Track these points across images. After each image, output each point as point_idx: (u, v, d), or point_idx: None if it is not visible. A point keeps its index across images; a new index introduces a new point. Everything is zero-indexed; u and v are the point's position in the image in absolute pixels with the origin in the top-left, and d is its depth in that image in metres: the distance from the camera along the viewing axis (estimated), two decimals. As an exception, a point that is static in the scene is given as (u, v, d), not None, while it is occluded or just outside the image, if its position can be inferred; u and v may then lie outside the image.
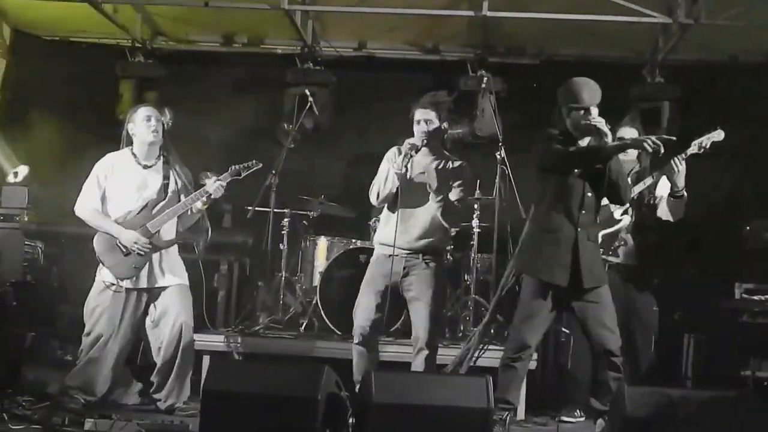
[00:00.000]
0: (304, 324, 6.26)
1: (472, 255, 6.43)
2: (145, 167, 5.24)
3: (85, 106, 7.36)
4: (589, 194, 4.74)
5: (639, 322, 5.50)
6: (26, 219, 6.62)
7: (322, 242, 6.60)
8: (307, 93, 6.83)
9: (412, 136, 5.06)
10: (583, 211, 4.73)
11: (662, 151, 4.55)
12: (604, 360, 4.74)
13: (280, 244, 6.55)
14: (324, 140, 7.29)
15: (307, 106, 6.78)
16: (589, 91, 4.74)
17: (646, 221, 5.50)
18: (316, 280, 6.41)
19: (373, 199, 5.13)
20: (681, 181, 5.17)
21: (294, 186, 6.90)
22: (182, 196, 5.22)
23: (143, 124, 5.21)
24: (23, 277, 6.48)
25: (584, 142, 4.76)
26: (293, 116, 6.93)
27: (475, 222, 6.45)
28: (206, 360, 5.86)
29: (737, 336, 5.76)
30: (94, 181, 5.18)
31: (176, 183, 5.28)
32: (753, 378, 5.50)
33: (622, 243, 5.50)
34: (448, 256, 6.47)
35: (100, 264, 5.16)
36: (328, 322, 6.10)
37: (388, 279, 5.01)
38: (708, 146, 5.13)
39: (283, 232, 6.61)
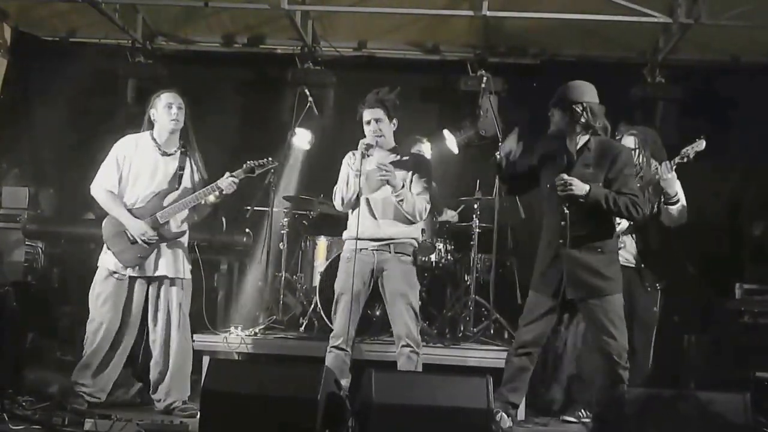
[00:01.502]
0: (304, 324, 6.26)
1: (472, 255, 6.42)
2: (164, 154, 5.17)
3: (86, 106, 7.35)
4: (565, 208, 4.73)
5: (639, 323, 5.50)
6: (26, 219, 6.62)
7: (322, 242, 6.59)
8: (307, 93, 6.83)
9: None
10: (563, 223, 4.74)
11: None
12: (608, 365, 4.76)
13: (280, 244, 6.54)
14: (324, 139, 7.29)
15: (307, 106, 6.78)
16: (579, 92, 4.81)
17: (646, 224, 5.50)
18: (316, 280, 6.40)
19: (338, 205, 5.15)
20: (672, 189, 5.22)
21: (294, 185, 6.91)
22: (196, 189, 5.17)
23: (164, 111, 5.13)
24: (24, 278, 6.50)
25: (581, 138, 4.77)
26: (294, 116, 6.94)
27: (475, 222, 6.45)
28: (206, 360, 5.86)
29: (738, 337, 5.75)
30: (113, 162, 5.12)
31: (192, 175, 5.23)
32: (754, 379, 5.48)
33: (622, 245, 5.51)
34: (448, 257, 6.48)
35: (104, 249, 5.12)
36: (328, 322, 6.08)
37: (362, 275, 5.03)
38: (692, 156, 5.15)
39: (282, 232, 6.61)
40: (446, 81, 7.51)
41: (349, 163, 5.14)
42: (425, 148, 6.50)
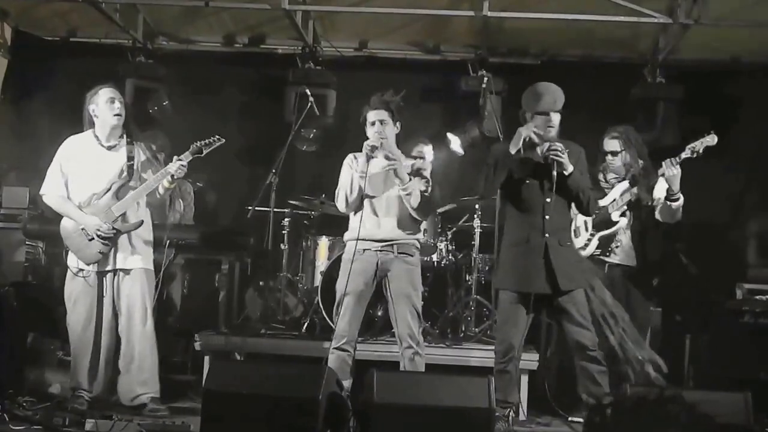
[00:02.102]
0: (306, 324, 6.26)
1: (474, 255, 6.43)
2: (108, 148, 5.21)
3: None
4: (549, 200, 4.80)
5: (634, 320, 5.52)
6: (27, 219, 6.61)
7: (324, 242, 6.59)
8: (308, 93, 6.83)
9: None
10: (547, 217, 4.82)
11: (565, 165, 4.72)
12: (584, 355, 4.89)
13: (281, 244, 6.54)
14: (324, 140, 7.30)
15: (308, 106, 6.78)
16: (551, 96, 4.84)
17: (644, 223, 5.52)
18: (318, 280, 6.40)
19: (341, 207, 5.13)
20: (675, 185, 5.21)
21: (295, 185, 6.91)
22: (148, 176, 5.18)
23: (106, 106, 5.17)
24: (24, 278, 6.49)
25: (545, 145, 4.80)
26: (295, 116, 6.94)
27: (476, 222, 6.46)
28: (207, 360, 5.86)
29: (739, 336, 5.75)
30: (56, 167, 5.19)
31: (140, 163, 5.24)
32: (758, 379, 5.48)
33: (618, 243, 5.54)
34: (450, 257, 6.48)
35: (67, 249, 5.19)
36: (329, 322, 6.09)
37: (365, 276, 5.02)
38: (701, 151, 5.14)
39: (284, 231, 6.61)
40: (447, 81, 7.50)
41: (351, 164, 5.14)
42: (427, 150, 6.49)
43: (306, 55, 7.40)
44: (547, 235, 4.83)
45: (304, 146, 7.29)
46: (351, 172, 5.09)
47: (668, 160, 5.17)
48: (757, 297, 5.87)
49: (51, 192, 5.18)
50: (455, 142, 6.85)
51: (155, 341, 5.23)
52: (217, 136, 5.24)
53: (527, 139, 4.78)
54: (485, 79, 7.00)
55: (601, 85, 7.12)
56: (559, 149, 4.74)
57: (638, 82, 7.18)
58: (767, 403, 4.35)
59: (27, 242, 6.62)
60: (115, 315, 5.20)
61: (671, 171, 5.15)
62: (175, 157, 5.11)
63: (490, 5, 6.49)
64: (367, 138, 5.05)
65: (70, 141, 5.27)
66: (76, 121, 7.18)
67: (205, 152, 5.19)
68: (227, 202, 7.43)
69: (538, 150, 4.82)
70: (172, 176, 5.08)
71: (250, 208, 6.41)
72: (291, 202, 6.72)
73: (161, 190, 5.17)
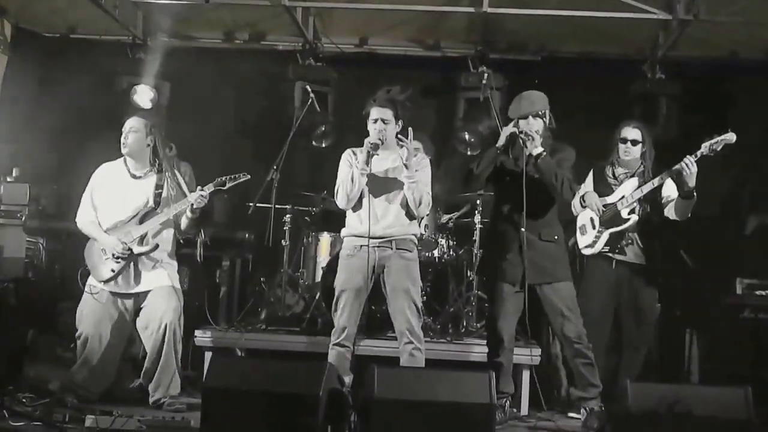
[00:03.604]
0: (307, 320, 6.25)
1: (474, 251, 6.43)
2: (135, 177, 5.36)
3: (86, 103, 7.34)
4: (525, 195, 4.96)
5: (641, 319, 5.53)
6: (27, 216, 6.62)
7: (325, 238, 6.58)
8: (308, 89, 6.83)
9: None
10: (524, 212, 5.00)
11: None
12: (570, 347, 5.10)
13: (282, 240, 6.54)
14: (335, 135, 7.30)
15: (308, 102, 6.78)
16: (529, 101, 5.13)
17: (653, 221, 5.50)
18: (319, 276, 6.40)
19: (341, 203, 5.14)
20: (692, 182, 5.17)
21: (295, 182, 6.91)
22: (174, 203, 5.31)
23: (132, 137, 5.33)
24: (24, 274, 6.49)
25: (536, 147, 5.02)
26: (295, 113, 6.94)
27: (477, 218, 6.47)
28: (208, 356, 5.87)
29: (739, 331, 5.76)
30: (88, 195, 5.41)
31: (170, 192, 5.36)
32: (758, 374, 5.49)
33: (630, 242, 5.52)
34: (451, 252, 6.48)
35: (89, 271, 5.34)
36: (331, 317, 6.08)
37: (365, 273, 5.03)
38: (719, 149, 5.10)
39: (285, 228, 6.61)
40: (447, 77, 7.50)
41: (350, 161, 5.13)
42: (425, 146, 6.49)
43: (306, 51, 7.40)
44: (523, 229, 5.02)
45: (316, 142, 7.30)
46: (350, 167, 5.08)
47: (687, 157, 5.12)
48: (757, 292, 5.88)
49: (82, 219, 5.39)
50: (469, 141, 6.86)
51: (179, 349, 5.35)
52: (243, 173, 5.34)
53: (509, 136, 5.08)
54: (485, 75, 7.00)
55: (600, 81, 7.13)
56: (530, 132, 4.97)
57: (638, 78, 7.17)
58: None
59: (27, 238, 6.63)
60: (127, 334, 5.41)
61: (689, 169, 5.11)
62: (198, 188, 5.24)
63: (489, 1, 6.48)
64: (368, 132, 5.05)
65: (102, 169, 5.45)
66: (77, 117, 7.24)
67: (228, 185, 5.30)
68: (228, 198, 7.42)
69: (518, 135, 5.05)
70: (192, 206, 5.23)
71: (251, 204, 6.41)
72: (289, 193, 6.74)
73: (183, 224, 5.38)
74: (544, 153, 4.99)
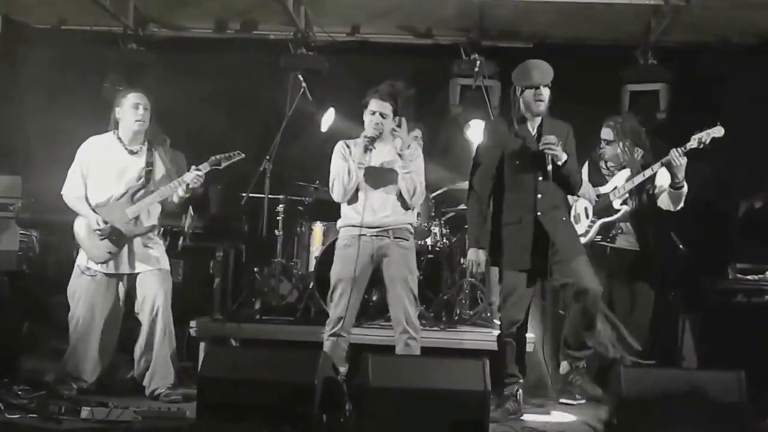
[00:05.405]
0: (301, 309, 6.26)
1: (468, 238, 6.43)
2: (130, 153, 5.29)
3: (77, 93, 7.31)
4: (541, 179, 4.88)
5: (640, 305, 5.56)
6: (20, 208, 6.60)
7: (318, 228, 6.58)
8: (300, 78, 6.81)
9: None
10: (539, 196, 4.90)
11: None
12: (585, 304, 4.95)
13: (276, 230, 6.54)
14: (317, 125, 7.27)
15: (300, 92, 6.75)
16: (540, 71, 4.90)
17: (645, 210, 5.54)
18: (312, 266, 6.41)
19: (338, 197, 5.14)
20: (681, 174, 5.23)
21: (288, 172, 6.89)
22: (164, 183, 5.26)
23: (131, 111, 5.26)
24: (18, 267, 6.47)
25: (535, 121, 4.94)
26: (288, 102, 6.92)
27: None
28: (202, 346, 5.87)
29: (732, 316, 5.78)
30: (77, 168, 5.28)
31: (161, 170, 5.32)
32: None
33: (620, 231, 5.56)
34: (444, 240, 6.48)
35: (78, 248, 5.26)
36: (324, 307, 6.09)
37: (362, 262, 5.03)
38: (708, 142, 5.14)
39: (278, 218, 6.60)
40: (439, 65, 7.48)
41: (343, 153, 5.13)
42: (418, 134, 6.49)
43: (298, 40, 7.37)
44: (539, 213, 4.90)
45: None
46: (344, 160, 5.07)
47: (674, 150, 5.18)
48: (750, 277, 5.90)
49: (69, 193, 5.29)
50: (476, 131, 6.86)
51: (173, 336, 5.31)
52: (238, 151, 5.32)
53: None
54: (478, 62, 6.99)
55: (592, 67, 7.11)
56: (553, 142, 4.80)
57: (630, 64, 7.16)
58: (761, 382, 4.37)
59: (21, 232, 6.61)
60: (126, 313, 5.33)
61: (677, 161, 5.16)
62: (193, 167, 5.20)
63: (481, -12, 6.47)
64: (363, 121, 5.05)
65: (90, 142, 5.35)
66: (68, 108, 7.20)
67: (223, 165, 5.28)
68: (221, 188, 7.40)
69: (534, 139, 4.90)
70: (188, 185, 5.17)
71: (244, 194, 6.40)
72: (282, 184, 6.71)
73: (176, 199, 5.29)
74: (567, 158, 4.89)
